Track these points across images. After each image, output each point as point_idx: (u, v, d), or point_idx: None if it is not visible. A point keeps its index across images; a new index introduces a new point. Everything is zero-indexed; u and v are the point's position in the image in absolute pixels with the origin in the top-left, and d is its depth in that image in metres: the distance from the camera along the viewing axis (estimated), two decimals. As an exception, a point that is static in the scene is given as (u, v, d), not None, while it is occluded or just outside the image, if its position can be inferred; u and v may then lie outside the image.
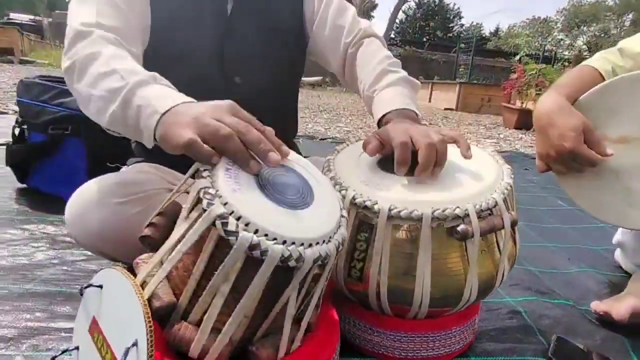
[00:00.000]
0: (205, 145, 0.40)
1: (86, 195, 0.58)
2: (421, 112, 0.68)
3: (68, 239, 0.93)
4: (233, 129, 0.40)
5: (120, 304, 0.43)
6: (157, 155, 0.71)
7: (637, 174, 0.69)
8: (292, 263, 0.38)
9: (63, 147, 1.13)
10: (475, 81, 8.19)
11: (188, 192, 0.46)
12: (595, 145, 0.67)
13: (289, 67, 0.77)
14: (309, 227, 0.41)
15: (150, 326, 0.39)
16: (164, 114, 0.44)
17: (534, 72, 4.59)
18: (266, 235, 0.37)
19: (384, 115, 0.62)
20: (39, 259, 0.84)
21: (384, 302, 0.54)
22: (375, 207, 0.50)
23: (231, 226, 0.37)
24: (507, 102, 4.95)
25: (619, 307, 0.70)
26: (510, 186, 0.54)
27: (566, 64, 6.20)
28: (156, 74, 0.50)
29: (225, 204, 0.38)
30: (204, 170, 0.41)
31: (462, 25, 26.98)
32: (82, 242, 0.60)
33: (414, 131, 0.53)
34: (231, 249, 0.37)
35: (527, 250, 1.04)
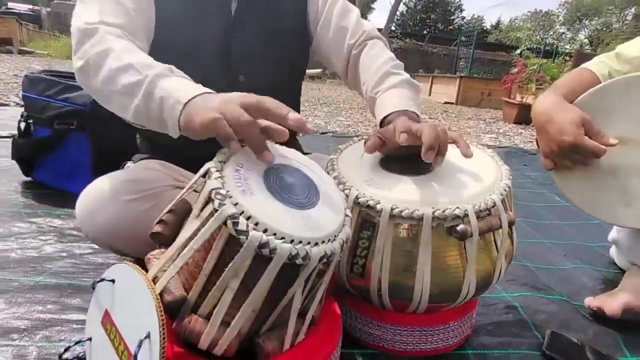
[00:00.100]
0: (227, 125, 0.41)
1: (96, 193, 0.60)
2: (421, 106, 0.69)
3: (75, 232, 0.94)
4: (255, 114, 0.42)
5: (132, 297, 0.45)
6: (162, 152, 0.73)
7: (632, 174, 0.71)
8: (299, 261, 0.40)
9: (68, 142, 1.14)
10: (475, 75, 8.16)
11: (196, 191, 0.48)
12: (596, 137, 0.68)
13: (292, 66, 0.78)
14: (315, 226, 0.42)
15: (162, 319, 0.41)
16: (186, 103, 0.45)
17: (535, 67, 4.58)
18: (275, 234, 0.39)
19: (386, 116, 0.64)
20: (47, 252, 0.85)
21: (384, 297, 0.56)
22: (378, 206, 0.52)
23: (242, 226, 0.38)
24: (507, 97, 4.94)
25: (612, 302, 0.73)
26: (509, 187, 0.56)
27: (567, 58, 6.18)
28: (172, 66, 0.52)
29: (236, 204, 0.39)
30: (215, 171, 0.42)
31: (463, 18, 26.74)
32: (93, 238, 0.62)
33: (415, 123, 0.54)
34: (241, 247, 0.39)
35: (524, 246, 1.06)
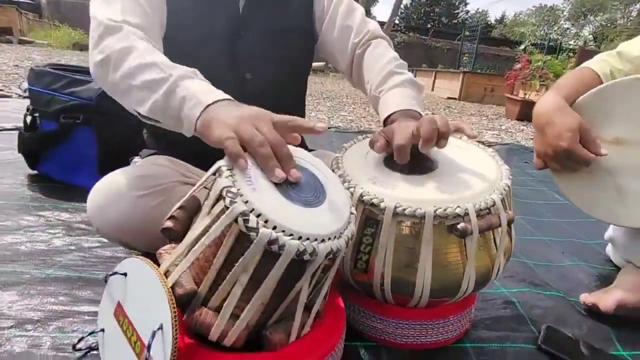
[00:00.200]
0: (239, 145, 0.43)
1: (107, 188, 0.61)
2: (424, 101, 0.70)
3: (83, 225, 0.96)
4: (268, 139, 0.44)
5: (145, 290, 0.47)
6: (169, 147, 0.75)
7: (628, 174, 0.73)
8: (306, 257, 0.41)
9: (74, 136, 1.15)
10: (479, 70, 8.11)
11: (206, 188, 0.49)
12: (590, 145, 0.70)
13: (298, 64, 0.79)
14: (322, 223, 0.44)
15: (174, 311, 0.43)
16: (207, 107, 0.47)
17: (538, 63, 4.56)
18: (283, 231, 0.41)
19: (389, 115, 0.65)
20: (56, 245, 0.87)
21: (387, 292, 0.57)
22: (382, 204, 0.53)
23: (252, 223, 0.40)
24: (510, 93, 4.93)
25: (606, 299, 0.75)
26: (508, 187, 0.57)
27: (571, 54, 6.14)
28: (196, 70, 0.53)
29: (246, 202, 0.41)
30: (226, 169, 0.44)
31: (467, 12, 26.49)
32: (104, 233, 0.63)
33: (413, 123, 0.56)
34: (251, 243, 0.40)
35: (523, 243, 1.08)
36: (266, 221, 0.41)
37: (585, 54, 4.75)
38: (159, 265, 0.48)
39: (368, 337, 0.63)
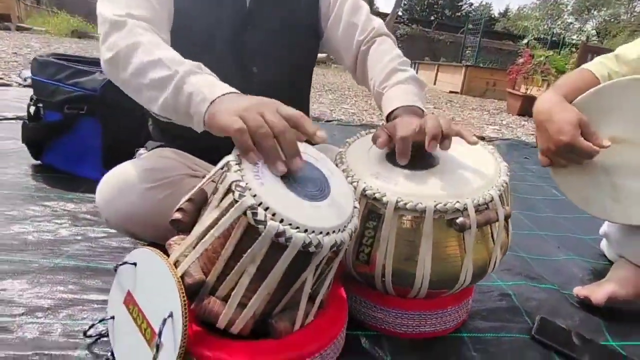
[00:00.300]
0: (250, 140, 0.44)
1: (116, 181, 0.63)
2: (426, 95, 0.72)
3: (89, 216, 0.97)
4: (273, 127, 0.44)
5: (155, 280, 0.48)
6: (175, 140, 0.76)
7: (623, 172, 0.75)
8: (311, 249, 0.43)
9: (78, 127, 1.15)
10: (481, 64, 8.07)
11: (213, 181, 0.50)
12: (591, 138, 0.72)
13: (303, 59, 0.80)
14: (327, 217, 0.46)
15: (184, 299, 0.45)
16: (213, 101, 0.48)
17: (541, 58, 4.55)
18: (290, 224, 0.42)
19: (392, 111, 0.66)
20: (63, 235, 0.88)
21: (387, 283, 0.59)
22: (384, 199, 0.55)
23: (260, 216, 0.41)
24: (512, 88, 4.91)
25: (598, 292, 0.77)
26: (506, 183, 0.59)
27: (573, 49, 6.11)
28: (201, 64, 0.54)
29: (255, 195, 0.42)
30: (235, 164, 0.45)
31: (471, 4, 26.18)
32: (113, 224, 0.65)
33: (417, 120, 0.57)
34: (259, 236, 0.42)
35: (520, 237, 1.10)
36: (274, 214, 0.42)
37: (587, 50, 4.73)
38: (167, 255, 0.50)
39: (369, 327, 0.65)
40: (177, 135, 0.75)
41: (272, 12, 0.72)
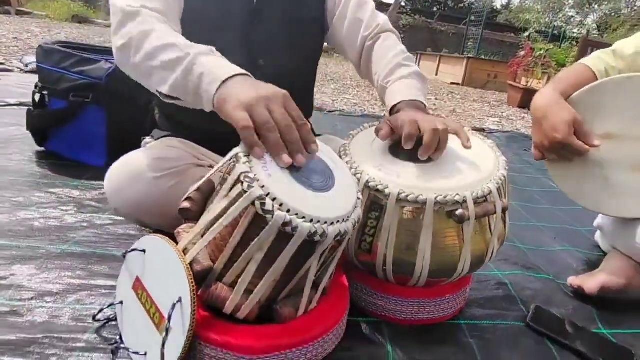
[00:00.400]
0: (255, 136, 0.45)
1: (124, 170, 0.64)
2: (428, 87, 0.73)
3: (94, 203, 0.98)
4: (278, 123, 0.46)
5: (164, 266, 0.50)
6: (182, 129, 0.77)
7: (616, 167, 0.77)
8: (317, 238, 0.45)
9: (83, 115, 1.15)
10: (483, 56, 8.02)
11: (222, 172, 0.52)
12: (584, 137, 0.75)
13: (309, 52, 0.81)
14: (331, 207, 0.47)
15: (192, 285, 0.46)
16: (223, 82, 0.49)
17: (541, 51, 4.54)
18: (297, 214, 0.44)
19: (395, 105, 0.67)
20: (69, 222, 0.89)
21: (388, 272, 0.61)
22: (387, 190, 0.56)
23: (268, 206, 0.43)
24: (513, 80, 4.90)
25: (591, 282, 0.79)
26: (504, 177, 0.61)
27: (574, 43, 6.07)
28: (213, 48, 0.54)
29: (263, 187, 0.44)
30: (244, 156, 0.46)
31: (474, -5, 25.82)
32: (122, 212, 0.66)
33: (421, 118, 0.59)
34: (267, 225, 0.44)
35: (517, 228, 1.12)
36: (281, 205, 0.44)
37: (587, 44, 4.71)
38: (176, 243, 0.51)
39: (370, 313, 0.67)
40: (182, 124, 0.76)
41: (280, 7, 0.73)
